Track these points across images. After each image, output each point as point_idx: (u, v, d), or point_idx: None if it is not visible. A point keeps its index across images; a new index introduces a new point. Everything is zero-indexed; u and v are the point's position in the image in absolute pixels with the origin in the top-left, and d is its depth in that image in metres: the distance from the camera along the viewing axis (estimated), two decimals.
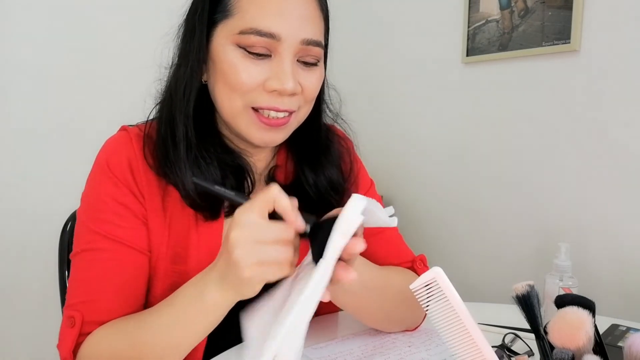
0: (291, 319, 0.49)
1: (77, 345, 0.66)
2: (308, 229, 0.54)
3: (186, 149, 0.69)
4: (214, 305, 0.57)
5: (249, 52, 0.65)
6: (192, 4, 0.71)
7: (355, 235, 0.53)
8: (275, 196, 0.53)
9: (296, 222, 0.53)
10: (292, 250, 0.54)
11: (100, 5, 1.59)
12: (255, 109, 0.67)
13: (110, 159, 0.70)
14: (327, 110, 0.80)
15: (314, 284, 0.50)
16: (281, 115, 0.68)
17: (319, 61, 0.70)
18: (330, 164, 0.79)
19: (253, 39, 0.65)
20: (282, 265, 0.53)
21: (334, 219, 0.52)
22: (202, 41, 0.69)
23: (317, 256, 0.52)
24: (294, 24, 0.65)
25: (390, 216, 0.58)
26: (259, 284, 0.54)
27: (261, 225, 0.52)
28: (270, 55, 0.66)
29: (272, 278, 0.53)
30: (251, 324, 0.55)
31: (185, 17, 0.72)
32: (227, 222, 0.73)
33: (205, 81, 0.71)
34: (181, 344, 0.61)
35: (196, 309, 0.58)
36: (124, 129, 0.75)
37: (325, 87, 0.79)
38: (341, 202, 0.79)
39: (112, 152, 0.71)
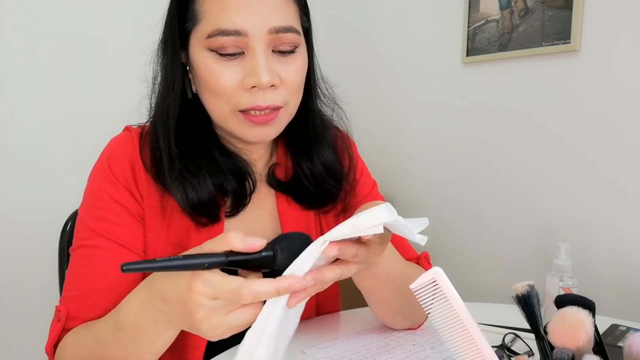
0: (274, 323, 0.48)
1: (60, 340, 0.66)
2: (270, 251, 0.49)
3: (170, 163, 0.68)
4: (161, 338, 0.55)
5: (221, 55, 0.65)
6: (166, 17, 0.71)
7: (360, 239, 0.53)
8: (230, 240, 0.47)
9: (254, 244, 0.48)
10: (255, 309, 0.48)
11: (105, 6, 1.59)
12: (242, 111, 0.67)
13: (112, 158, 0.71)
14: (322, 97, 0.79)
15: (301, 260, 0.48)
16: (266, 112, 0.67)
17: (296, 47, 0.68)
18: (324, 148, 0.78)
19: (221, 40, 0.64)
20: (249, 322, 0.49)
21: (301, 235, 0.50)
22: (175, 54, 0.68)
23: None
24: (259, 15, 0.64)
25: (421, 231, 0.56)
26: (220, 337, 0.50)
27: (223, 294, 0.46)
28: (243, 53, 0.65)
29: (237, 331, 0.50)
30: None
31: (162, 30, 0.72)
32: (228, 223, 0.74)
33: (195, 91, 0.71)
34: (132, 354, 0.58)
35: (144, 329, 0.55)
36: (127, 129, 0.76)
37: (315, 73, 0.77)
38: (342, 190, 0.79)
39: (114, 151, 0.72)
